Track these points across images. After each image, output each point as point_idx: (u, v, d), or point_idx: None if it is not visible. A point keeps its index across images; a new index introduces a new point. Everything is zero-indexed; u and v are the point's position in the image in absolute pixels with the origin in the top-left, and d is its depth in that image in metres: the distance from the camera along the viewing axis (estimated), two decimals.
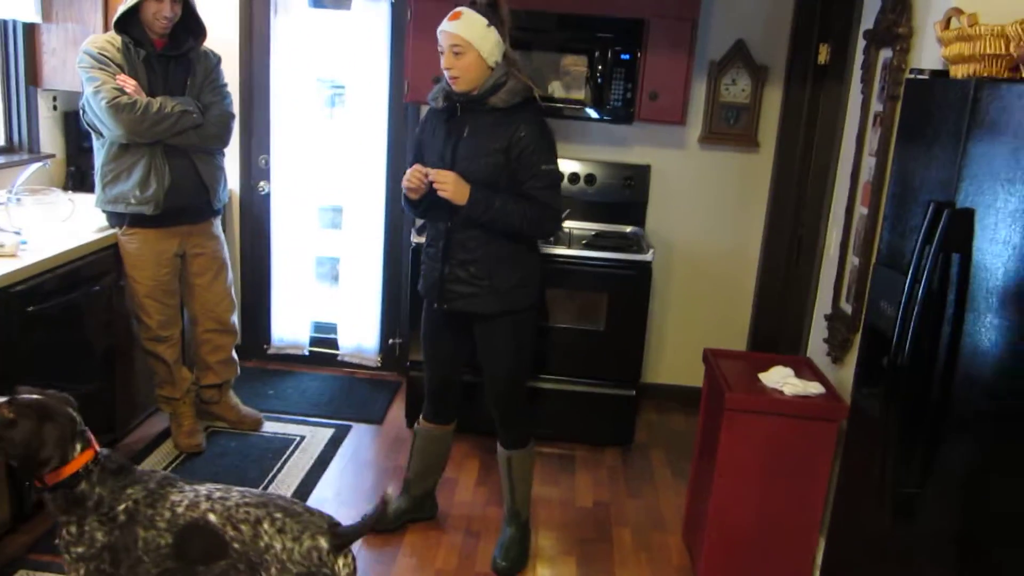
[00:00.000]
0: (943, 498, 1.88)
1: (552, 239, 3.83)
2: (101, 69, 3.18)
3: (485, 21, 2.71)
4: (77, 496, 2.04)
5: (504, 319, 2.89)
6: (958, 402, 1.85)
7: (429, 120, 2.96)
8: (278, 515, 2.06)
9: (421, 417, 3.22)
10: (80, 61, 3.21)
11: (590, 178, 4.28)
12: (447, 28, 2.72)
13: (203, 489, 2.13)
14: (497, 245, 2.83)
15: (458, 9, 2.73)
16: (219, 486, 2.16)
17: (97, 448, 2.12)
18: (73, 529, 2.04)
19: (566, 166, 4.26)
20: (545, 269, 3.82)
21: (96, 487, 2.05)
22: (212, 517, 2.06)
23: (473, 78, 2.74)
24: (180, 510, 2.07)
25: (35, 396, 2.07)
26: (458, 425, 3.26)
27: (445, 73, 2.76)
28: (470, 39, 2.69)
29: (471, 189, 2.73)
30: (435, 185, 2.73)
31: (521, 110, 2.78)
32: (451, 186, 2.71)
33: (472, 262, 2.84)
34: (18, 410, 2.01)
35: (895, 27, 2.77)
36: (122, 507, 2.05)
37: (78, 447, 2.06)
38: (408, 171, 2.81)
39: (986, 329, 1.75)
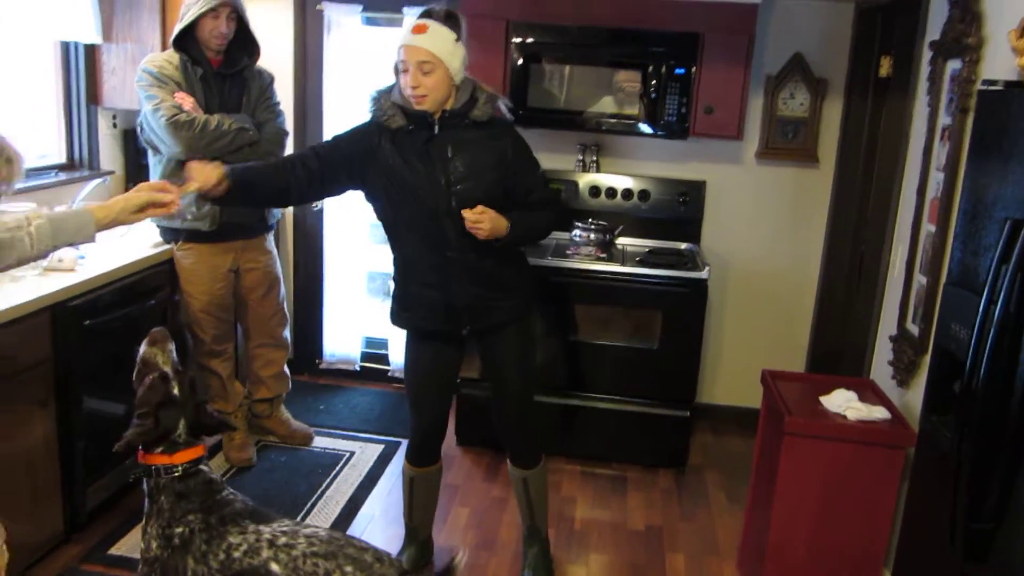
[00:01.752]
0: (1019, 536, 1.77)
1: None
2: (160, 87, 3.22)
3: (454, 36, 2.54)
4: (152, 489, 2.01)
5: (519, 324, 2.80)
6: None
7: (384, 140, 2.62)
8: (348, 568, 1.89)
9: (407, 463, 2.97)
10: (139, 79, 3.26)
11: (644, 194, 4.21)
12: (414, 43, 2.50)
13: (267, 531, 1.96)
14: (497, 255, 2.68)
15: (421, 21, 2.54)
16: (287, 526, 1.99)
17: (197, 456, 2.06)
18: (149, 528, 2.00)
19: (619, 182, 4.21)
20: (598, 286, 3.79)
21: (162, 494, 1.99)
22: (275, 568, 1.90)
23: (439, 97, 2.55)
24: (237, 555, 1.92)
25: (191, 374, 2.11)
26: (495, 443, 3.17)
27: (408, 91, 2.54)
28: (440, 55, 2.50)
29: (505, 217, 2.55)
30: (470, 228, 2.51)
31: (502, 122, 2.69)
32: (488, 224, 2.52)
33: (488, 276, 2.69)
34: (179, 380, 2.10)
35: (964, 37, 2.67)
36: (179, 530, 1.97)
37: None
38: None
39: None
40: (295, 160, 2.66)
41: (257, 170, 2.68)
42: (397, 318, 2.82)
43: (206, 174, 2.49)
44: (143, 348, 2.21)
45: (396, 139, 2.62)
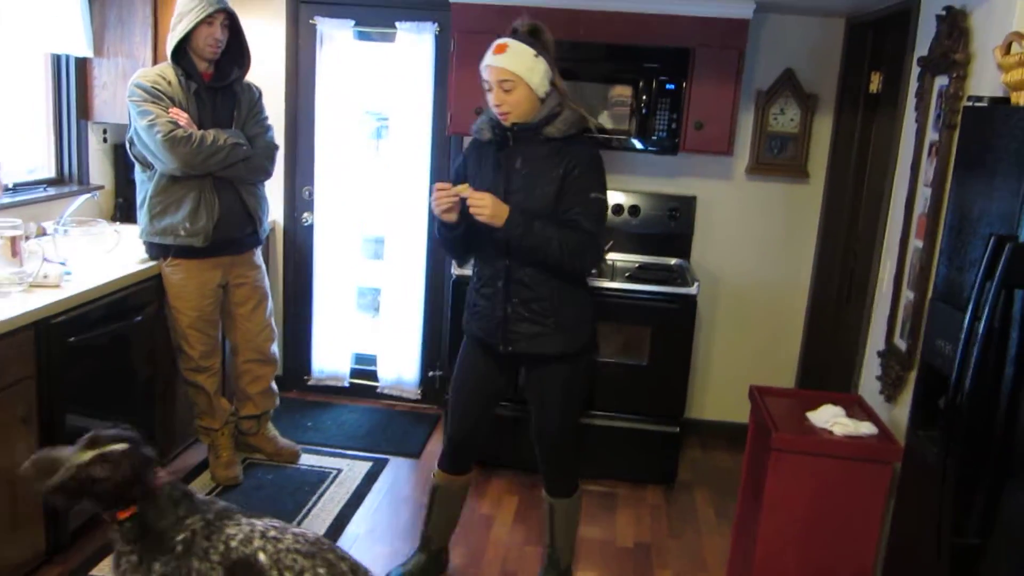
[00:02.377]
0: (1006, 551, 1.76)
1: (594, 272, 3.66)
2: (154, 103, 3.20)
3: (532, 51, 2.58)
4: (145, 527, 2.04)
5: (563, 362, 2.76)
6: (1022, 447, 1.73)
7: (473, 152, 2.81)
8: (321, 571, 2.02)
9: (438, 468, 3.01)
10: (131, 94, 3.24)
11: (634, 209, 4.21)
12: (494, 63, 2.58)
13: (260, 524, 2.09)
14: (559, 281, 2.68)
15: (502, 41, 2.60)
16: (277, 523, 2.12)
17: (163, 478, 2.10)
18: (134, 559, 2.03)
19: (610, 197, 4.17)
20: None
21: (160, 519, 2.04)
22: (262, 557, 2.02)
23: (524, 111, 2.62)
24: (234, 544, 2.03)
25: (120, 445, 2.06)
26: (498, 461, 3.17)
27: (495, 109, 2.64)
28: (519, 72, 2.56)
29: (509, 210, 2.55)
30: (471, 207, 2.53)
31: (575, 141, 2.67)
32: (489, 208, 2.52)
33: (536, 300, 2.67)
34: (113, 462, 2.01)
35: (952, 53, 2.68)
36: (180, 537, 2.02)
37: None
38: (434, 193, 2.62)
39: None
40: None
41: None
42: (464, 320, 2.91)
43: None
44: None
45: (481, 150, 2.77)
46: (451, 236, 2.73)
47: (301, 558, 2.02)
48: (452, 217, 2.64)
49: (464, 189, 2.58)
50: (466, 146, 2.87)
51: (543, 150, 2.65)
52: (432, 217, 2.81)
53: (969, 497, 1.87)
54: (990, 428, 1.83)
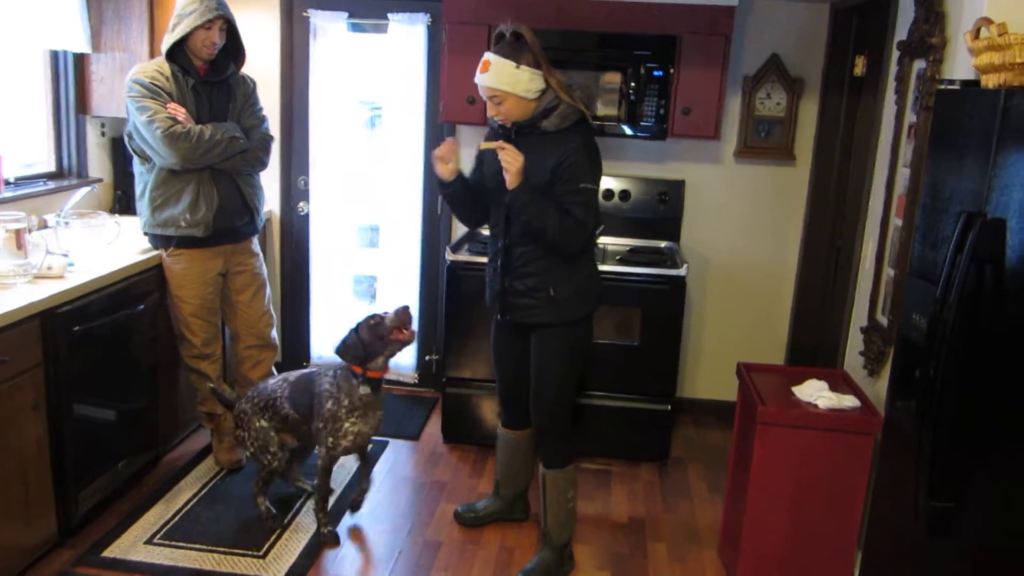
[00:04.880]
0: (978, 513, 1.85)
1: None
2: (152, 98, 3.26)
3: (512, 64, 2.75)
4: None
5: (558, 329, 2.95)
6: (992, 415, 1.82)
7: (491, 138, 3.00)
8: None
9: (501, 427, 3.35)
10: (130, 90, 3.29)
11: (624, 194, 4.29)
12: (479, 82, 2.81)
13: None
14: (551, 260, 2.89)
15: (485, 57, 2.80)
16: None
17: None
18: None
19: (601, 182, 4.26)
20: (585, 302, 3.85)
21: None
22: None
23: (518, 115, 2.82)
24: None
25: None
26: (481, 440, 3.32)
27: (493, 118, 2.88)
28: (503, 87, 2.76)
29: (524, 180, 2.77)
30: (502, 156, 2.75)
31: (572, 131, 2.83)
32: (518, 164, 2.74)
33: (530, 275, 2.91)
34: None
35: (928, 38, 2.75)
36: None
37: None
38: (444, 144, 2.92)
39: (1021, 340, 1.72)
40: (461, 192, 3.04)
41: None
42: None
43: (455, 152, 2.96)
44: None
45: (496, 136, 2.95)
46: (445, 193, 3.05)
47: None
48: (443, 171, 2.93)
49: (494, 144, 2.82)
50: (487, 132, 3.09)
51: (540, 141, 2.83)
52: (428, 199, 2.98)
53: (942, 464, 1.96)
54: (962, 398, 1.92)
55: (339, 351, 3.14)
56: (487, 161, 2.97)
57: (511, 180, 2.75)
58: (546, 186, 2.80)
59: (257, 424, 3.26)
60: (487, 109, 2.87)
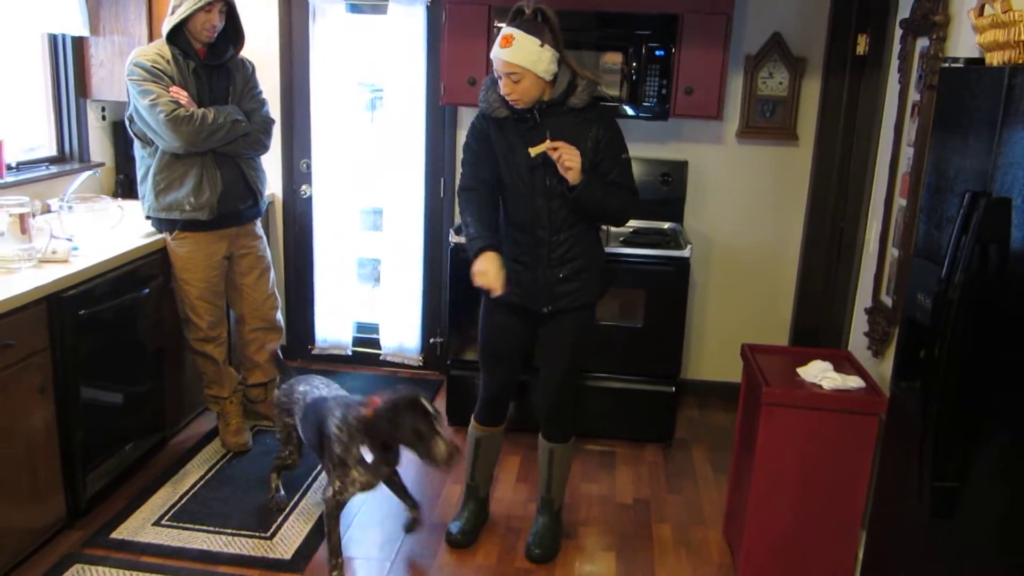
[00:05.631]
0: (982, 493, 1.86)
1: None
2: (154, 82, 3.25)
3: (537, 42, 2.67)
4: None
5: (590, 308, 2.97)
6: (998, 395, 1.82)
7: (491, 128, 2.87)
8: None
9: (476, 423, 3.20)
10: (131, 73, 3.28)
11: None
12: (500, 56, 2.68)
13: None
14: (588, 238, 2.92)
15: (508, 31, 2.68)
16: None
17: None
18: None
19: None
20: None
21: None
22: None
23: (533, 97, 2.74)
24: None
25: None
26: (484, 423, 3.29)
27: (506, 96, 2.74)
28: (525, 65, 2.67)
29: (587, 172, 2.74)
30: (564, 160, 2.68)
31: (594, 107, 2.82)
32: (579, 161, 2.70)
33: (573, 259, 2.88)
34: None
35: (931, 15, 2.74)
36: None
37: None
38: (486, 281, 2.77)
39: None
40: (480, 193, 2.91)
41: (489, 223, 2.90)
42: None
43: (498, 280, 2.79)
44: None
45: (503, 126, 2.84)
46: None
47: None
48: (490, 285, 2.78)
49: (546, 145, 2.71)
50: (475, 121, 2.93)
51: (569, 120, 2.79)
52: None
53: (947, 444, 1.97)
54: (967, 378, 1.92)
55: (369, 423, 2.79)
56: (500, 155, 2.84)
57: (575, 176, 2.71)
58: (590, 164, 2.77)
59: (284, 419, 3.23)
60: (502, 86, 2.73)
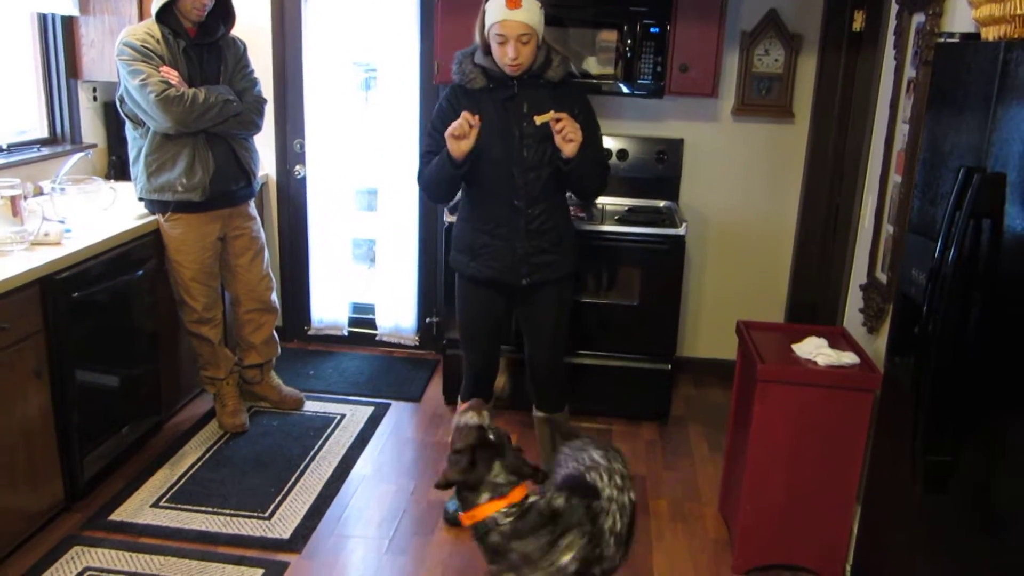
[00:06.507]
0: (975, 467, 1.87)
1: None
2: (144, 62, 3.22)
3: (538, 3, 2.70)
4: (492, 547, 2.03)
5: (569, 278, 3.02)
6: (990, 370, 1.83)
7: (464, 99, 2.85)
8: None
9: (462, 403, 3.18)
10: (120, 53, 3.25)
11: (622, 153, 4.26)
12: (513, 17, 2.66)
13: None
14: (561, 211, 2.98)
15: None
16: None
17: (523, 495, 2.09)
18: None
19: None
20: (579, 245, 3.85)
21: (512, 540, 1.98)
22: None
23: (530, 62, 2.77)
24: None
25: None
26: (496, 400, 3.33)
27: (507, 62, 2.72)
28: (534, 25, 2.69)
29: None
30: (567, 134, 2.70)
31: (567, 82, 2.86)
32: (579, 135, 2.73)
33: (550, 231, 2.91)
34: (494, 431, 2.19)
35: None
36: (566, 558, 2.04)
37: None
38: (459, 120, 2.69)
39: (1019, 295, 1.72)
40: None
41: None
42: (460, 265, 3.02)
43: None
44: (456, 418, 2.27)
45: (478, 98, 2.82)
46: (455, 173, 2.82)
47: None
48: (459, 150, 2.72)
49: (551, 116, 2.71)
50: (447, 93, 2.92)
51: (544, 93, 2.82)
52: (424, 161, 2.93)
53: (940, 419, 1.97)
54: (960, 353, 1.92)
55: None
56: (491, 129, 2.79)
57: (573, 149, 2.73)
58: None
59: None
60: (507, 50, 2.69)
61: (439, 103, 2.95)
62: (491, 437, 2.17)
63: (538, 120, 2.74)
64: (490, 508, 2.06)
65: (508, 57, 2.72)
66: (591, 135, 2.87)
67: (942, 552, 1.98)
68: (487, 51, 2.82)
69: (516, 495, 2.09)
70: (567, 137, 2.72)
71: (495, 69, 2.80)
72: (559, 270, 2.97)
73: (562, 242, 2.96)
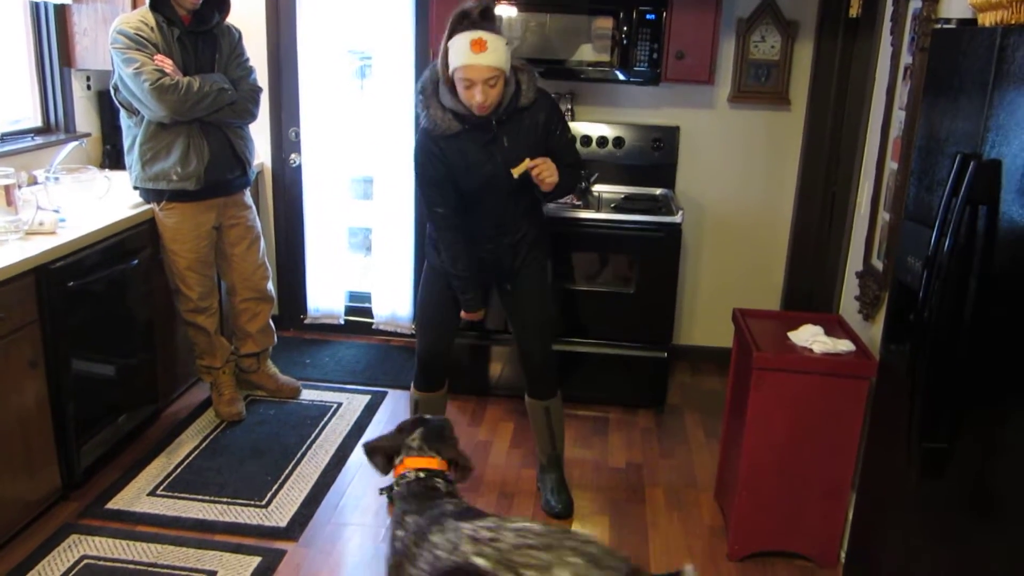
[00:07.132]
0: (970, 454, 1.88)
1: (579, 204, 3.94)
2: (138, 50, 3.20)
3: (503, 40, 2.62)
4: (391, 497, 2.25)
5: (533, 266, 3.07)
6: (986, 357, 1.83)
7: (448, 147, 2.78)
8: (572, 559, 1.77)
9: (415, 390, 3.26)
10: (114, 41, 3.23)
11: (618, 141, 4.25)
12: (479, 62, 2.55)
13: (467, 528, 1.91)
14: (536, 210, 3.06)
15: (476, 35, 2.55)
16: (490, 523, 1.92)
17: (423, 465, 2.19)
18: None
19: (595, 129, 4.24)
20: (575, 233, 3.86)
21: (400, 500, 2.13)
22: (479, 561, 1.81)
23: (499, 100, 2.70)
24: (441, 553, 1.88)
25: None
26: (493, 388, 3.34)
27: (475, 105, 2.63)
28: (502, 66, 2.62)
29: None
30: (545, 177, 2.77)
31: (538, 97, 2.84)
32: (556, 174, 2.81)
33: (526, 236, 3.00)
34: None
35: None
36: (400, 533, 2.04)
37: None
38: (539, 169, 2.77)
39: (1014, 282, 1.72)
40: (451, 222, 2.91)
41: (472, 259, 2.97)
42: (433, 258, 3.08)
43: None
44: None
45: (455, 142, 2.77)
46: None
47: (538, 552, 1.79)
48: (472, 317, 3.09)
49: (526, 165, 2.76)
50: (422, 140, 2.82)
51: (520, 119, 2.80)
52: (434, 216, 2.95)
53: (936, 405, 1.98)
54: (956, 340, 1.93)
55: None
56: (461, 169, 2.80)
57: (551, 185, 2.81)
58: (546, 150, 2.85)
59: None
60: (474, 94, 2.60)
61: (416, 155, 2.87)
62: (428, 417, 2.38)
63: (516, 173, 2.76)
64: (399, 468, 2.22)
65: (476, 100, 2.63)
66: (567, 146, 2.95)
67: (937, 539, 1.99)
68: (453, 90, 2.69)
69: (416, 462, 2.20)
70: (545, 180, 2.78)
71: (466, 111, 2.70)
72: (535, 259, 3.06)
73: (536, 241, 3.04)
